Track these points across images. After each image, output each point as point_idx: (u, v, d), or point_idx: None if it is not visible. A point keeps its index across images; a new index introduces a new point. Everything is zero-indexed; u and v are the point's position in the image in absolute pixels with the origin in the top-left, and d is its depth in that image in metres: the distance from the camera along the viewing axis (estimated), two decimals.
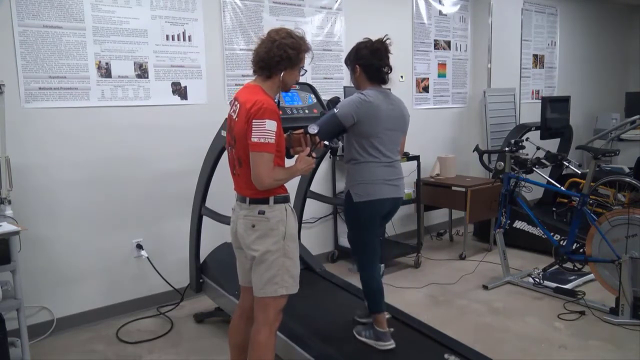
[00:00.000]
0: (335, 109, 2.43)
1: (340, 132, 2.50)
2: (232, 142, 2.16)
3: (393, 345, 2.54)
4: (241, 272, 2.32)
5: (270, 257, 2.10)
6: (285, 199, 2.16)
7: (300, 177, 3.68)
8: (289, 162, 2.23)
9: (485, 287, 3.94)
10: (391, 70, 2.52)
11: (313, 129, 2.29)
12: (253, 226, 2.12)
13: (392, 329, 2.59)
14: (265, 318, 2.17)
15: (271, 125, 2.01)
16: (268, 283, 2.12)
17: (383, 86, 2.53)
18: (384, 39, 2.50)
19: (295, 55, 2.11)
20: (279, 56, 2.07)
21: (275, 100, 2.16)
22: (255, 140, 2.00)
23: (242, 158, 2.11)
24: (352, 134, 2.46)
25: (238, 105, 2.12)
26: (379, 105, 2.42)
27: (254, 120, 1.99)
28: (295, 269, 2.19)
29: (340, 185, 4.62)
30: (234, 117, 2.14)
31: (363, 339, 2.63)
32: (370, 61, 2.46)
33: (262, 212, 2.10)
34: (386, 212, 2.55)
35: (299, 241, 3.79)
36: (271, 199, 2.11)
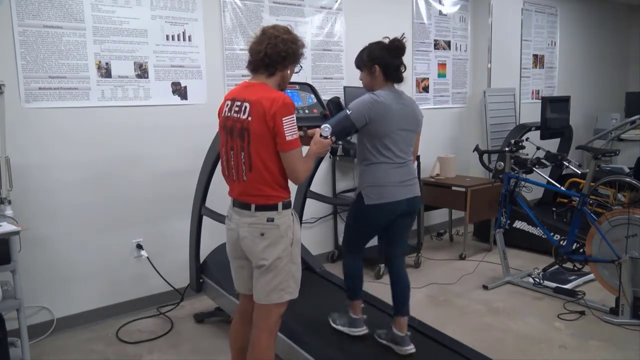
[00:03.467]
0: (347, 110, 2.42)
1: (351, 133, 2.49)
2: (246, 144, 2.01)
3: (366, 331, 2.65)
4: (240, 281, 2.26)
5: (280, 264, 2.06)
6: (290, 204, 2.11)
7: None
8: None
9: (485, 287, 3.94)
10: (405, 68, 2.52)
11: (326, 130, 2.31)
12: (262, 234, 2.04)
13: (365, 316, 2.68)
14: (266, 324, 2.14)
15: (295, 119, 2.00)
16: (274, 290, 2.08)
17: (398, 86, 2.53)
18: (401, 38, 2.49)
19: (297, 50, 2.09)
20: (285, 51, 2.04)
21: None
22: (290, 138, 1.97)
23: (256, 160, 2.01)
24: (364, 134, 2.45)
25: (247, 105, 2.00)
26: (390, 105, 2.42)
27: (284, 118, 1.94)
28: (299, 273, 2.16)
29: (340, 186, 4.62)
30: (244, 116, 2.01)
31: (338, 327, 2.71)
32: (389, 60, 2.45)
33: (271, 220, 2.03)
34: (400, 212, 2.51)
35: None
36: (279, 205, 2.05)
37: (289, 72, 2.14)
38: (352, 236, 2.65)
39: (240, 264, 2.21)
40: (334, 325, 2.75)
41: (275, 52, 2.03)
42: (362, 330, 2.67)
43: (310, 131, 2.38)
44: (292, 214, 2.11)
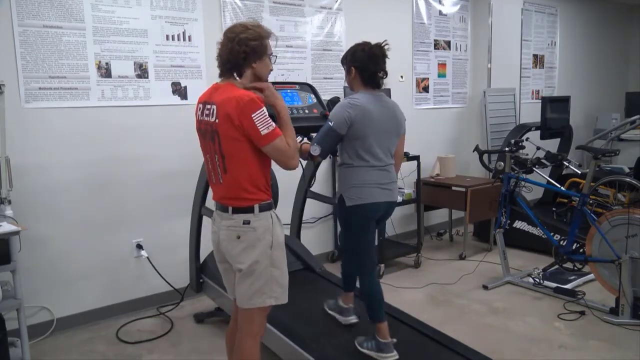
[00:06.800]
0: (329, 122, 2.41)
1: (340, 141, 2.46)
2: (217, 147, 2.01)
3: (396, 357, 2.45)
4: (228, 285, 2.23)
5: (258, 268, 2.01)
6: (270, 206, 2.06)
7: (300, 177, 3.69)
8: None
9: (485, 287, 3.94)
10: (386, 75, 2.52)
11: (315, 150, 2.35)
12: (238, 237, 2.01)
13: (394, 340, 2.51)
14: (250, 329, 2.12)
15: (266, 110, 1.94)
16: (256, 294, 2.04)
17: (378, 90, 2.53)
18: (383, 44, 2.49)
19: (258, 45, 2.01)
20: (243, 52, 1.98)
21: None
22: (266, 131, 1.92)
23: (228, 161, 2.00)
24: (345, 138, 2.44)
25: (214, 108, 1.98)
26: (369, 109, 2.41)
27: (253, 115, 1.90)
28: (284, 278, 2.10)
29: None
30: (212, 119, 1.99)
31: (365, 350, 2.52)
32: (366, 65, 2.45)
33: (247, 222, 2.00)
34: (380, 215, 2.53)
35: (299, 241, 3.81)
36: (256, 207, 2.00)
37: (261, 66, 2.05)
38: (356, 247, 2.55)
39: (225, 267, 2.19)
40: (360, 348, 2.54)
41: (233, 56, 1.99)
42: (393, 356, 2.46)
43: (305, 146, 2.40)
44: (271, 216, 2.05)
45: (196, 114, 2.14)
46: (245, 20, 2.09)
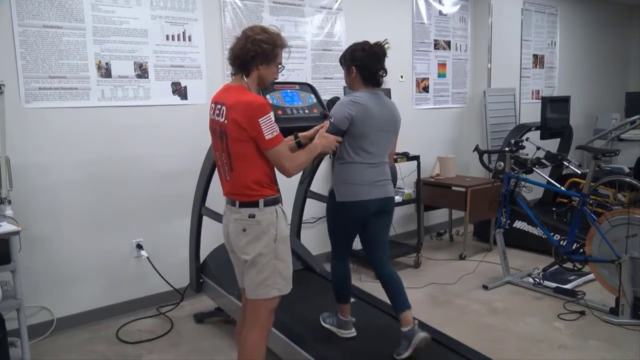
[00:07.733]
0: (330, 119, 2.43)
1: (342, 137, 2.47)
2: (225, 146, 2.11)
3: (354, 334, 2.68)
4: (240, 275, 2.30)
5: (262, 260, 2.10)
6: (276, 201, 2.14)
7: (299, 177, 3.69)
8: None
9: (485, 287, 3.94)
10: (386, 73, 2.53)
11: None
12: (244, 230, 2.10)
13: (354, 319, 2.70)
14: (257, 319, 2.18)
15: (273, 116, 2.05)
16: (260, 285, 2.12)
17: (378, 88, 2.53)
18: (383, 43, 2.49)
19: (270, 50, 2.10)
20: (254, 51, 2.07)
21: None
22: (270, 136, 2.02)
23: (234, 161, 2.09)
24: (345, 134, 2.46)
25: (224, 108, 2.08)
26: (369, 106, 2.42)
27: (260, 119, 2.00)
28: (288, 270, 2.18)
29: None
30: (221, 119, 2.10)
31: (327, 325, 2.75)
32: (366, 64, 2.46)
33: (252, 216, 2.09)
34: (372, 212, 2.53)
35: (299, 241, 3.82)
36: (261, 202, 2.09)
37: (266, 71, 2.14)
38: (332, 236, 2.65)
39: (235, 257, 2.27)
40: (323, 324, 2.77)
41: (243, 53, 2.08)
42: (351, 333, 2.69)
43: (302, 134, 2.39)
44: (276, 210, 2.13)
45: (209, 112, 2.23)
46: (268, 26, 2.17)
